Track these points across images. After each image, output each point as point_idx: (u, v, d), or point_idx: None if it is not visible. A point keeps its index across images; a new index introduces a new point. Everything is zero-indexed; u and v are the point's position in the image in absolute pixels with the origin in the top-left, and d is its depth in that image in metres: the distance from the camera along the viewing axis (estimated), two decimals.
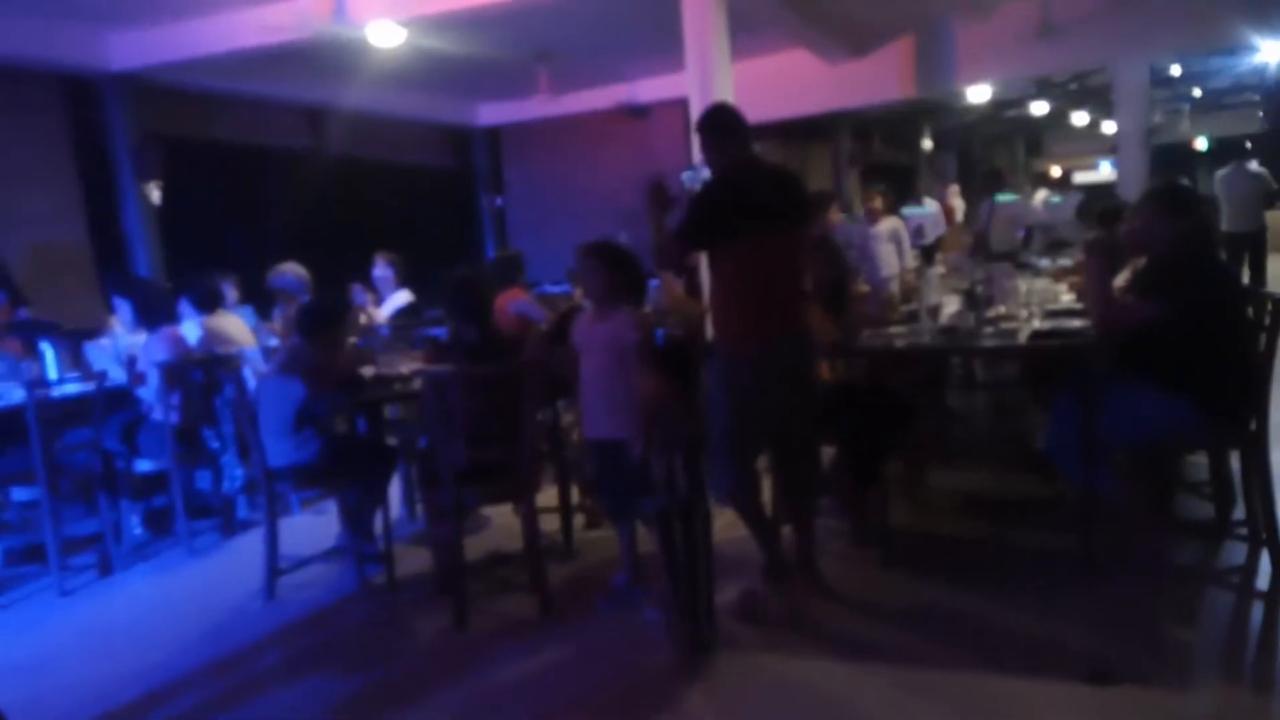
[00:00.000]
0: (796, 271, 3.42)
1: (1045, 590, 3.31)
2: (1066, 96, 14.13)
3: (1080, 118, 16.18)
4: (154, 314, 4.87)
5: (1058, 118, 16.06)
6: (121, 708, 3.07)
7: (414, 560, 4.16)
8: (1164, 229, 3.39)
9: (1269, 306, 3.30)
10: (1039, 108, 14.23)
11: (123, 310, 5.10)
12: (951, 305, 4.77)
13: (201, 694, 3.15)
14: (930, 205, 9.96)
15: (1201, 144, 18.94)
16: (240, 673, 3.31)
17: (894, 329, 4.55)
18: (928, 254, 7.90)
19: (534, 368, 3.60)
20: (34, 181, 6.86)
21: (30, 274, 6.45)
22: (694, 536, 3.10)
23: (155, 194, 7.27)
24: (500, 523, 4.56)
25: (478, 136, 11.26)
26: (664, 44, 6.22)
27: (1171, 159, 16.98)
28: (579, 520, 4.39)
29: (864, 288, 5.61)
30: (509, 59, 7.91)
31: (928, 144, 15.12)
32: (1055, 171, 19.08)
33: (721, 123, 3.41)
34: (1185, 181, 4.93)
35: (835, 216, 5.83)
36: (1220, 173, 9.54)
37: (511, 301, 5.09)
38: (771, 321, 3.28)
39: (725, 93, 5.82)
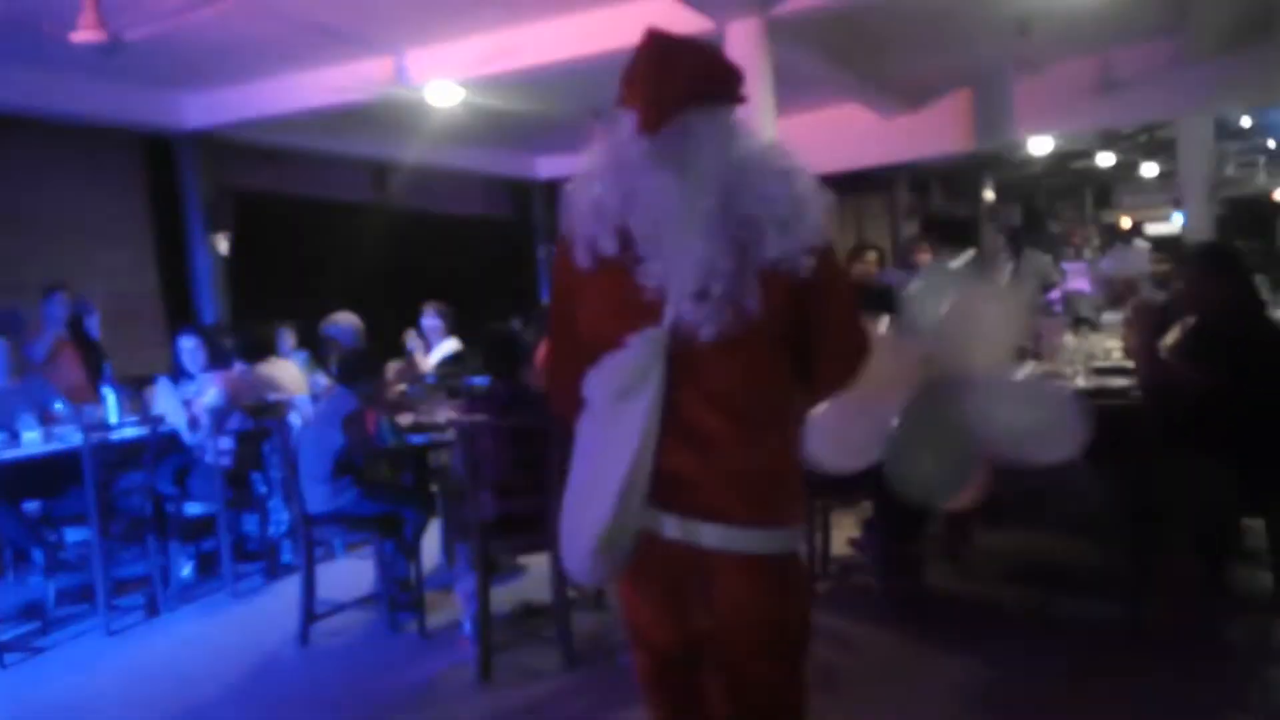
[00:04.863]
0: None
1: (1087, 663, 3.17)
2: (1136, 148, 13.87)
3: (1150, 169, 15.83)
4: (212, 358, 5.07)
5: (1127, 169, 15.74)
6: None
7: (449, 608, 4.18)
8: (1210, 290, 3.31)
9: None
10: (1105, 159, 13.98)
11: (190, 354, 5.25)
12: None
13: None
14: None
15: None
16: (267, 716, 3.35)
17: None
18: None
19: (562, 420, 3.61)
20: (112, 234, 7.24)
21: (105, 323, 6.76)
22: None
23: (224, 245, 7.59)
24: (536, 573, 4.56)
25: (536, 189, 11.52)
26: None
27: (1248, 211, 16.45)
28: None
29: None
30: (563, 116, 8.10)
31: (989, 195, 14.95)
32: (1125, 223, 18.63)
33: None
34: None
35: (873, 267, 5.80)
36: None
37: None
38: None
39: None
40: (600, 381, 1.66)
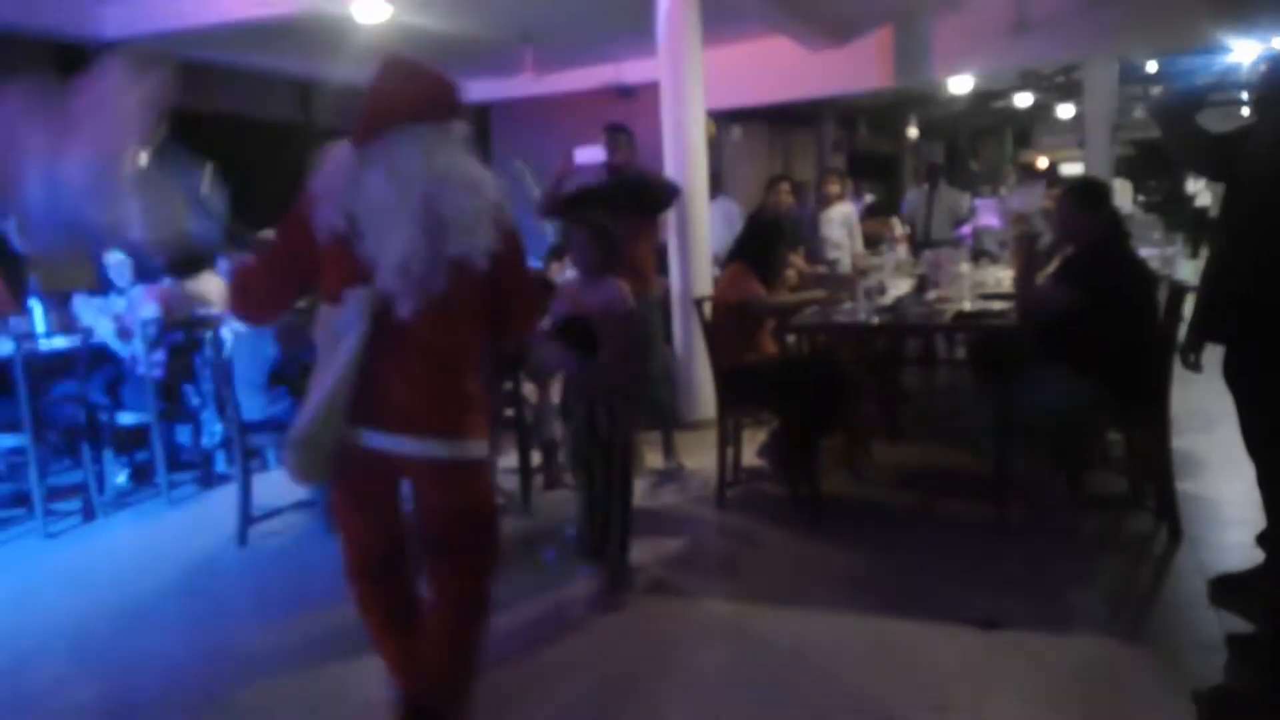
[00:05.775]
0: None
1: (957, 553, 3.58)
2: (1053, 89, 14.34)
3: (1066, 110, 16.39)
4: (140, 272, 5.12)
5: (1044, 110, 16.25)
6: (94, 638, 3.31)
7: None
8: (1080, 222, 3.65)
9: (1169, 293, 3.55)
10: (1023, 100, 14.43)
11: (118, 268, 5.28)
12: (906, 287, 5.02)
13: (171, 626, 3.41)
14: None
15: None
16: (209, 608, 3.57)
17: (845, 307, 4.80)
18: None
19: None
20: None
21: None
22: (611, 479, 3.40)
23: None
24: None
25: (465, 112, 11.41)
26: (645, 28, 6.42)
27: (1155, 153, 17.20)
28: (538, 482, 4.65)
29: (820, 268, 5.85)
30: (494, 38, 8.09)
31: (913, 133, 15.33)
32: (1042, 163, 19.28)
33: None
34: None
35: (786, 198, 6.07)
36: None
37: None
38: None
39: (695, 79, 6.03)
40: (323, 325, 2.15)
